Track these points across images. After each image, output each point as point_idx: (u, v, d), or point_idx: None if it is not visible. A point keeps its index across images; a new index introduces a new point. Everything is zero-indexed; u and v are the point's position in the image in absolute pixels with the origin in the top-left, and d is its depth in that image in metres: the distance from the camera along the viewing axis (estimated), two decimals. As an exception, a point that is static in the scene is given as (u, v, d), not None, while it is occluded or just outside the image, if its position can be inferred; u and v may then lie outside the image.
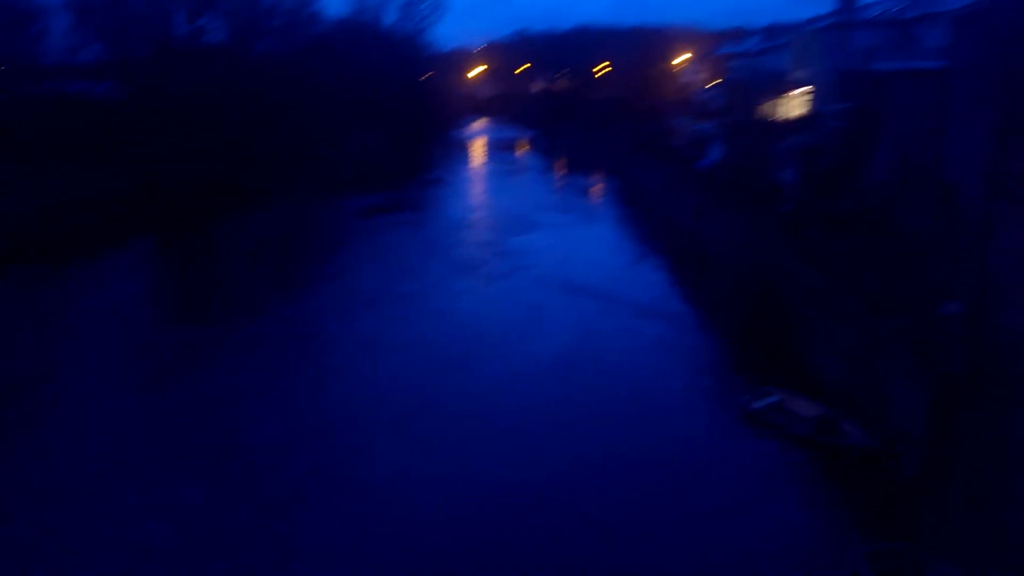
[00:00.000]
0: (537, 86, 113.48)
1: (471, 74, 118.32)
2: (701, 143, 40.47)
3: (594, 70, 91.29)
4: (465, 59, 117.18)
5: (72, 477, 13.97)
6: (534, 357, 19.99)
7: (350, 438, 15.73)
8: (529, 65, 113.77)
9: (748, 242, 24.75)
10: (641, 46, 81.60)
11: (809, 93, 33.51)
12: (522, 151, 73.92)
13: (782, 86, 36.39)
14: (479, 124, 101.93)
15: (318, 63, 50.95)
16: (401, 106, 64.90)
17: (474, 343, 21.06)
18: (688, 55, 72.76)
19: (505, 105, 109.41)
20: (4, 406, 16.86)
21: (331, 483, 13.98)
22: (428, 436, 15.71)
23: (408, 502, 13.35)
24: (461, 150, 74.05)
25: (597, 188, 51.73)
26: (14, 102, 34.02)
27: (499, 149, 74.79)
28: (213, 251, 33.40)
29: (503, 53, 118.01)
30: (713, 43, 67.30)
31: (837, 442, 15.19)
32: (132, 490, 13.56)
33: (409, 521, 12.80)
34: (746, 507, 13.38)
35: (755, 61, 46.04)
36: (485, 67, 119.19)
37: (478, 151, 74.86)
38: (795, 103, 34.74)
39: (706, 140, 40.06)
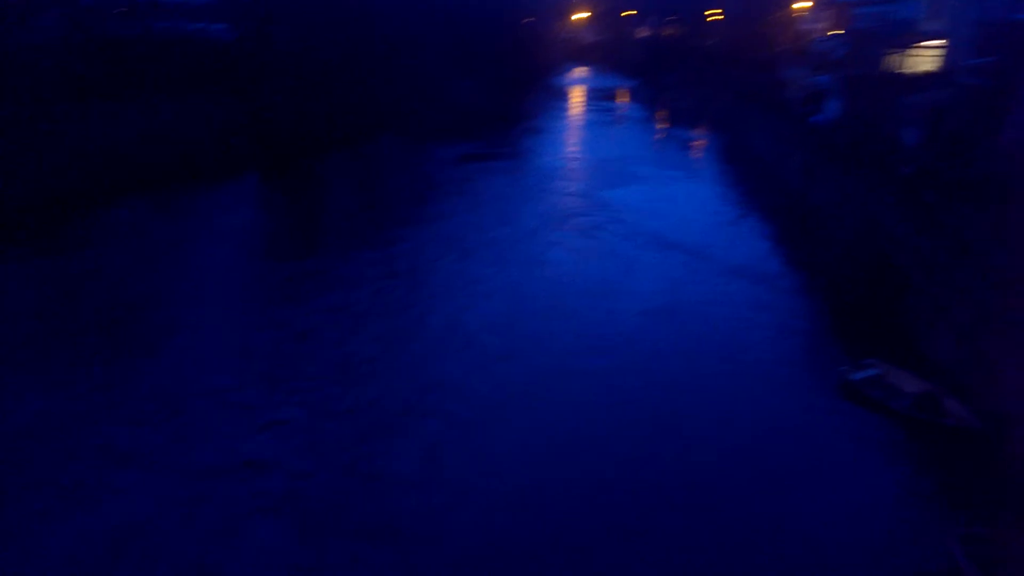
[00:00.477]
0: (643, 32, 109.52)
1: (574, 18, 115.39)
2: (817, 97, 38.15)
3: (705, 15, 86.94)
4: (569, 3, 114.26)
5: (204, 380, 15.24)
6: (623, 313, 19.80)
7: (440, 376, 16.16)
8: (635, 12, 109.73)
9: (861, 205, 23.38)
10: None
11: (942, 46, 30.81)
12: (623, 100, 72.02)
13: (912, 37, 33.59)
14: (580, 71, 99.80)
15: (421, 7, 50.94)
16: (501, 51, 64.27)
17: (562, 295, 21.03)
18: (808, 2, 68.15)
19: (608, 52, 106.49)
20: (145, 324, 18.30)
21: (423, 410, 14.58)
22: (513, 381, 15.96)
23: (494, 442, 13.72)
24: (560, 98, 72.88)
25: (700, 142, 49.97)
26: (133, 40, 35.76)
27: (599, 98, 73.11)
28: (315, 189, 34.62)
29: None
30: (837, -12, 62.55)
31: (938, 420, 14.44)
32: (266, 391, 14.70)
33: (500, 461, 13.17)
34: (837, 481, 12.99)
35: (883, 9, 42.51)
36: (589, 12, 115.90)
37: (578, 99, 73.46)
38: (925, 57, 32.05)
39: (822, 94, 37.72)
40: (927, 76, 30.02)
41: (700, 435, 14.21)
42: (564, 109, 66.04)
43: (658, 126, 57.27)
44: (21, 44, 28.86)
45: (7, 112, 26.52)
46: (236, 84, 38.36)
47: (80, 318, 18.35)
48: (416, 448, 13.45)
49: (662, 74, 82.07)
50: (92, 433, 13.49)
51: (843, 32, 51.13)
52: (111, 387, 15.17)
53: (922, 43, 32.57)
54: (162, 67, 35.12)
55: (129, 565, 10.51)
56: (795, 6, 70.13)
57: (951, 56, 29.32)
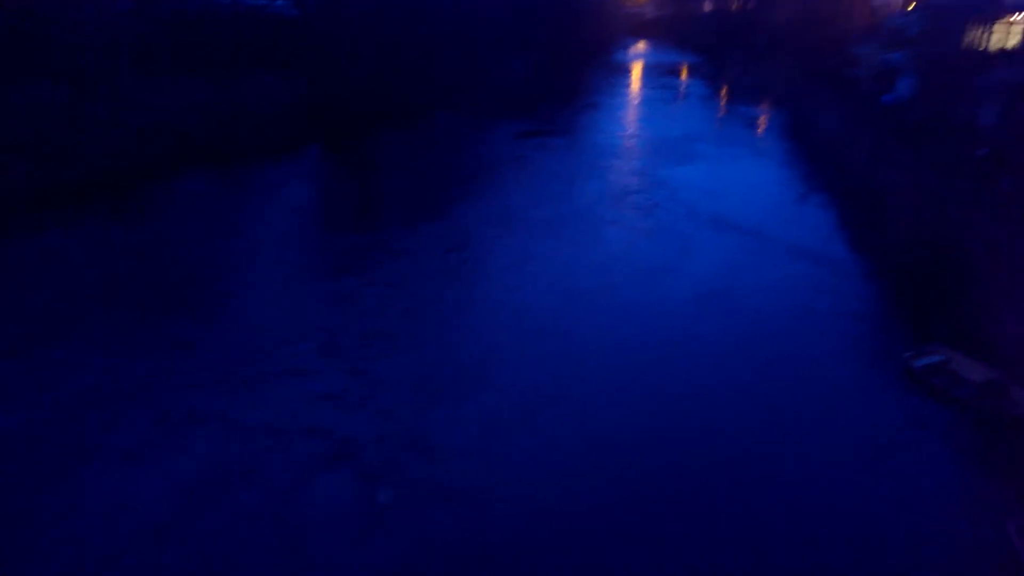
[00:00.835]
0: (707, 6, 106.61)
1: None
2: (888, 75, 36.77)
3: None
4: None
5: (267, 346, 15.95)
6: (679, 293, 19.69)
7: (493, 349, 16.39)
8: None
9: (931, 188, 22.62)
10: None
11: (1029, 20, 29.29)
12: (686, 77, 70.57)
13: (997, 11, 31.97)
14: (641, 47, 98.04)
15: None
16: (561, 26, 63.61)
17: (617, 274, 21.00)
18: (883, -26, 65.13)
19: (671, 27, 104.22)
20: (209, 293, 19.08)
21: (475, 382, 14.92)
22: (566, 358, 16.11)
23: (543, 418, 13.99)
24: (621, 74, 71.80)
25: (764, 120, 48.74)
26: (198, 15, 36.70)
27: (661, 74, 71.77)
28: (374, 164, 35.19)
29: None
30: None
31: (1004, 410, 14.08)
32: (327, 357, 15.39)
33: (550, 435, 13.44)
34: (896, 466, 12.83)
35: (965, -18, 40.46)
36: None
37: (638, 75, 72.28)
38: (1010, 32, 30.51)
39: (894, 72, 36.33)
40: (1008, 53, 28.58)
41: (755, 418, 14.17)
42: (624, 85, 65.10)
43: (721, 103, 56.04)
44: (92, 18, 29.98)
45: (79, 85, 27.63)
46: (298, 59, 39.10)
47: (148, 285, 19.20)
48: (466, 419, 13.81)
49: (726, 50, 79.93)
50: (161, 392, 14.27)
51: (919, 7, 48.90)
52: (181, 349, 15.94)
53: (1009, 17, 30.94)
54: (226, 42, 35.97)
55: (209, 512, 11.21)
56: (869, -21, 67.25)
57: (1037, 32, 27.84)
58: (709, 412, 14.24)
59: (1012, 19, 30.55)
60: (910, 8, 51.09)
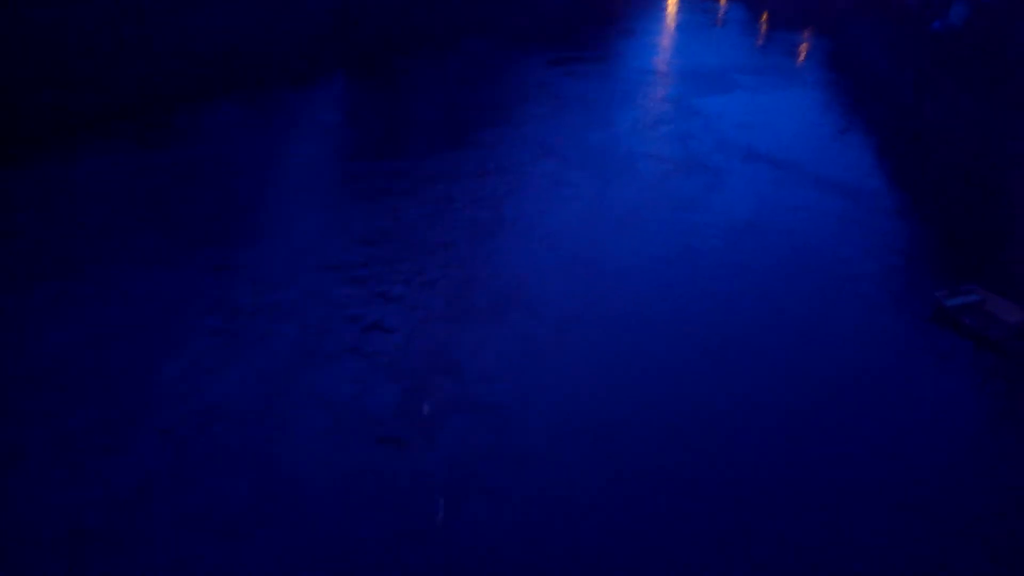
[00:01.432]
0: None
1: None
2: (941, 1, 34.73)
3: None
4: None
5: (308, 261, 16.14)
6: (710, 225, 19.41)
7: (523, 272, 16.41)
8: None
9: (979, 121, 21.61)
10: None
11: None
12: (724, 2, 67.51)
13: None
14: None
15: None
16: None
17: (647, 203, 20.69)
18: None
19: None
20: (247, 213, 19.24)
21: (506, 303, 14.99)
22: (596, 277, 16.14)
23: (572, 338, 14.02)
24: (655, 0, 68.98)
25: (805, 48, 46.66)
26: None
27: (697, 0, 68.82)
28: (405, 89, 34.59)
29: None
30: None
31: (1041, 353, 13.77)
32: (364, 270, 15.67)
33: (580, 356, 13.51)
34: (922, 401, 12.72)
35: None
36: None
37: (673, 1, 69.37)
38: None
39: (947, -3, 34.28)
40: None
41: (780, 348, 14.07)
42: (660, 10, 62.60)
43: (761, 30, 53.69)
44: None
45: (108, 9, 27.26)
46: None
47: (185, 206, 19.43)
48: (494, 337, 14.00)
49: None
50: (211, 296, 14.79)
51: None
52: (224, 269, 16.26)
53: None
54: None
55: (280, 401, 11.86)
56: None
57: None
58: (733, 345, 14.17)
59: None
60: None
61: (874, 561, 9.77)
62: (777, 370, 13.46)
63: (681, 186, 22.04)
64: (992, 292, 15.54)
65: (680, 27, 55.48)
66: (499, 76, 36.61)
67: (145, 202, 19.54)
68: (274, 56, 33.15)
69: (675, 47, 47.21)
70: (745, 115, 29.80)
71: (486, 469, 11.03)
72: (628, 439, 11.64)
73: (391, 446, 11.35)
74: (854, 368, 13.69)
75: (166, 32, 29.17)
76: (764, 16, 59.75)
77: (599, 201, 20.61)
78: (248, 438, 11.41)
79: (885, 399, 12.86)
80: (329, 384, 12.64)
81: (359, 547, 9.75)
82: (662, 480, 10.85)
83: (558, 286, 15.93)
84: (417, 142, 26.62)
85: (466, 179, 22.00)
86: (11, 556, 9.30)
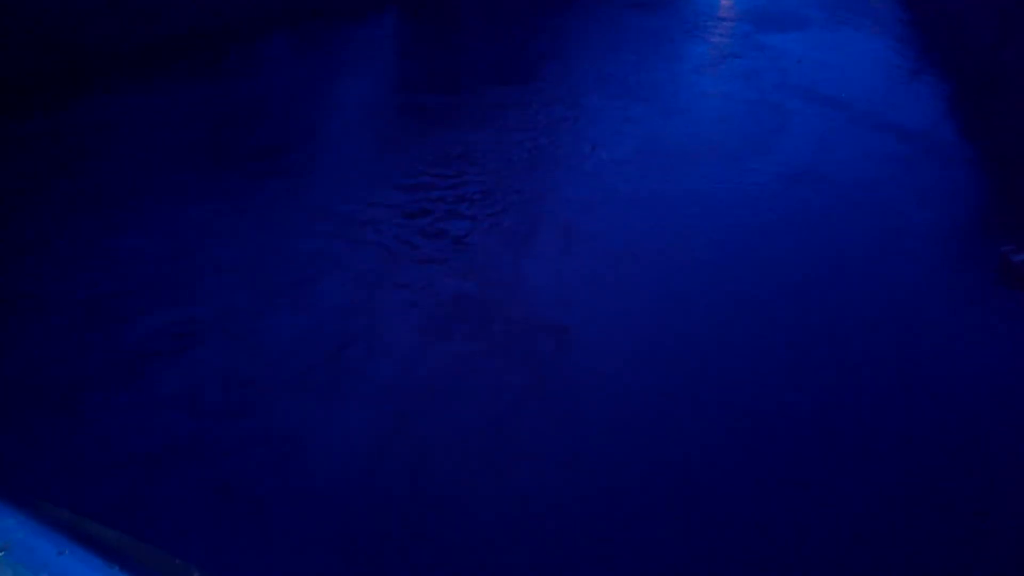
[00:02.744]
0: None
1: None
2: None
3: None
4: None
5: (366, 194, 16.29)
6: (768, 165, 18.94)
7: (570, 210, 16.30)
8: None
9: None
10: None
11: None
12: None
13: None
14: None
15: None
16: None
17: (703, 144, 20.28)
18: None
19: None
20: (303, 149, 19.46)
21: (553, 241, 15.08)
22: (653, 215, 16.09)
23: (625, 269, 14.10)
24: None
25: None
26: None
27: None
28: (460, 23, 34.11)
29: None
30: None
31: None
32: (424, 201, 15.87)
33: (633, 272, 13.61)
34: (987, 356, 12.43)
35: None
36: None
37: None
38: None
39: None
40: None
41: (836, 303, 13.88)
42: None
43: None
44: None
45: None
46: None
47: (249, 137, 19.74)
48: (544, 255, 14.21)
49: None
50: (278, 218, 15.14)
51: None
52: (289, 195, 16.56)
53: None
54: None
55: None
56: None
57: None
58: (786, 297, 13.98)
59: None
60: None
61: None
62: (826, 329, 13.28)
63: (741, 126, 21.49)
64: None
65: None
66: (558, 11, 35.69)
67: (206, 134, 19.97)
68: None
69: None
70: (812, 54, 28.59)
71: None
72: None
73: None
74: (912, 331, 13.42)
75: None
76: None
77: (660, 139, 20.30)
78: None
79: (946, 368, 12.59)
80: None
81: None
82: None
83: (617, 221, 15.95)
84: (473, 76, 26.42)
85: (530, 109, 21.84)
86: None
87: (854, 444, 10.75)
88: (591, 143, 20.10)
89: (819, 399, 11.54)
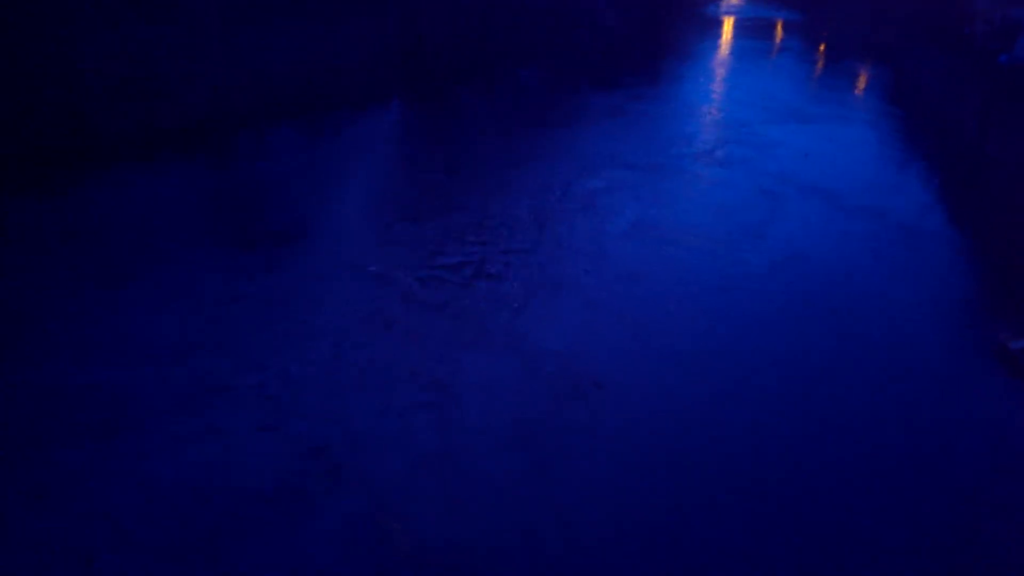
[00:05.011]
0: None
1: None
2: (1007, 33, 33.97)
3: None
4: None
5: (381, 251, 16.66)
6: (759, 251, 19.15)
7: (577, 295, 16.53)
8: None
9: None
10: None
11: None
12: (781, 32, 67.13)
13: None
14: (735, 0, 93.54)
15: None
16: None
17: (700, 223, 20.72)
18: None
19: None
20: (321, 221, 19.79)
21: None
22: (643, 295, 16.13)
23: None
24: (713, 27, 68.97)
25: (865, 79, 46.03)
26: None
27: (755, 28, 68.52)
28: (459, 116, 35.33)
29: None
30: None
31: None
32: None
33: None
34: (989, 447, 12.27)
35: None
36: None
37: (730, 32, 69.24)
38: None
39: (1015, 29, 33.54)
40: None
41: (831, 398, 13.77)
42: (717, 39, 62.60)
43: (819, 61, 53.21)
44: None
45: (178, 32, 28.56)
46: (386, 11, 39.18)
47: (257, 214, 20.52)
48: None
49: (827, 4, 75.41)
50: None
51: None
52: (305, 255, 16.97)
53: None
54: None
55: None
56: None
57: None
58: (779, 385, 13.92)
59: None
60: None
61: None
62: (820, 416, 13.16)
63: (735, 210, 21.91)
64: (1061, 336, 15.00)
65: (737, 55, 55.33)
66: (556, 102, 37.07)
67: (217, 215, 20.46)
68: (333, 81, 34.17)
69: (733, 75, 47.10)
70: (802, 145, 29.42)
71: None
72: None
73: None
74: (906, 403, 13.32)
75: (230, 55, 30.40)
76: (822, 46, 59.20)
77: (649, 226, 20.66)
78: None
79: (946, 457, 12.42)
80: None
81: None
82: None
83: (603, 298, 15.98)
84: (473, 160, 27.20)
85: (522, 191, 22.50)
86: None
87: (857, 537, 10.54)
88: (585, 238, 20.16)
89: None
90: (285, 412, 12.39)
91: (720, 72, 48.65)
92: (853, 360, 14.77)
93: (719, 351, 14.82)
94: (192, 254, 17.88)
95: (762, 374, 14.10)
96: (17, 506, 10.18)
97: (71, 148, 22.87)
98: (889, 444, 12.33)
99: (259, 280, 16.75)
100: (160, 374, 13.20)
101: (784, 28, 70.01)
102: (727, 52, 57.53)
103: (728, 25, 72.84)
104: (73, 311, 15.13)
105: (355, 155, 27.21)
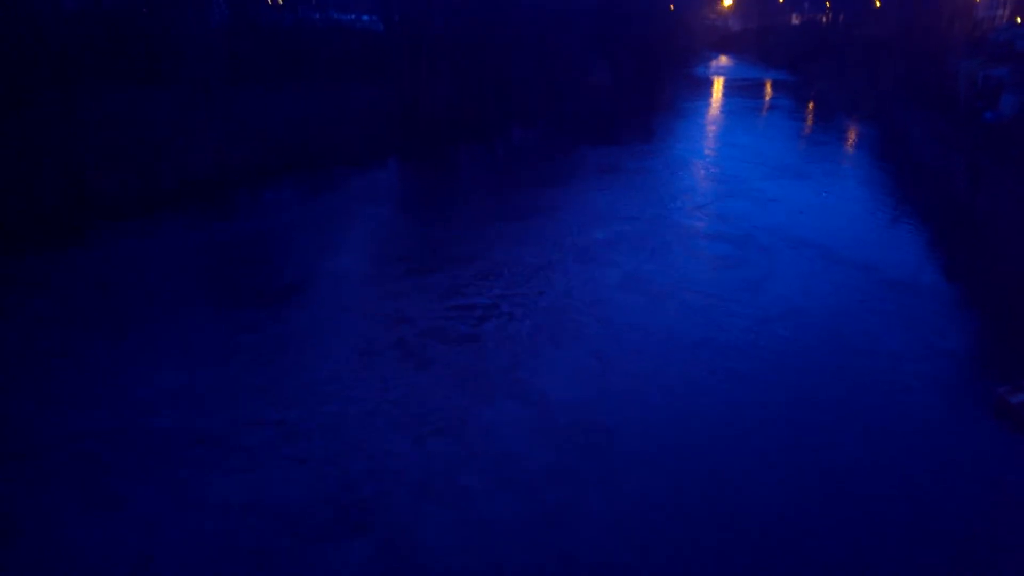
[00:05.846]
0: (795, 20, 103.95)
1: (722, 4, 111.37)
2: (990, 92, 34.90)
3: (871, 2, 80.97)
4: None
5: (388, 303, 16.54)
6: (755, 304, 19.20)
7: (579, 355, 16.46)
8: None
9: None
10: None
11: None
12: (770, 91, 68.86)
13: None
14: (725, 61, 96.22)
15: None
16: (642, 41, 63.13)
17: (689, 281, 20.75)
18: (988, -14, 61.76)
19: (756, 40, 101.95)
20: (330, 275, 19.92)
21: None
22: (644, 358, 16.00)
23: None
24: (704, 87, 70.73)
25: (853, 137, 46.99)
26: (289, 28, 38.44)
27: (745, 88, 70.27)
28: (455, 173, 35.94)
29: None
30: (1025, -30, 56.46)
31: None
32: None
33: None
34: (993, 511, 12.05)
35: (1081, -6, 38.06)
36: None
37: (721, 89, 71.01)
38: None
39: (998, 88, 34.45)
40: None
41: (832, 454, 13.61)
42: (707, 99, 64.11)
43: (807, 121, 54.41)
44: (194, 29, 32.02)
45: (177, 95, 29.29)
46: (383, 72, 40.25)
47: (260, 268, 20.87)
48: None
49: (814, 64, 77.49)
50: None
51: (1029, 19, 46.19)
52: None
53: None
54: (317, 54, 37.48)
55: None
56: (972, -9, 64.00)
57: None
58: (774, 447, 13.75)
59: None
60: (1018, 21, 48.41)
61: None
62: (814, 476, 12.97)
63: (732, 264, 22.08)
64: (1060, 390, 14.92)
65: (728, 112, 56.62)
66: (545, 160, 37.71)
67: (216, 268, 20.55)
68: (331, 141, 34.85)
69: (725, 132, 48.08)
70: (794, 200, 29.76)
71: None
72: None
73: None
74: (906, 461, 13.12)
75: (232, 116, 31.06)
76: (810, 104, 60.65)
77: (644, 276, 20.95)
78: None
79: (949, 518, 12.20)
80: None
81: None
82: None
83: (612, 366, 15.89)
84: (477, 214, 27.61)
85: (511, 248, 22.66)
86: None
87: None
88: (594, 281, 20.69)
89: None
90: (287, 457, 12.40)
91: (712, 129, 49.71)
92: (851, 414, 14.59)
93: (715, 405, 14.66)
94: (195, 308, 17.97)
95: (758, 430, 13.91)
96: None
97: (73, 208, 23.14)
98: (891, 507, 12.12)
99: (266, 329, 16.86)
100: (149, 425, 13.18)
101: (773, 87, 71.80)
102: (719, 110, 58.89)
103: (718, 84, 74.76)
104: (74, 363, 15.13)
105: (355, 210, 27.59)
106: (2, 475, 11.74)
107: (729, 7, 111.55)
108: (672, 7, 74.98)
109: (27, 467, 12.09)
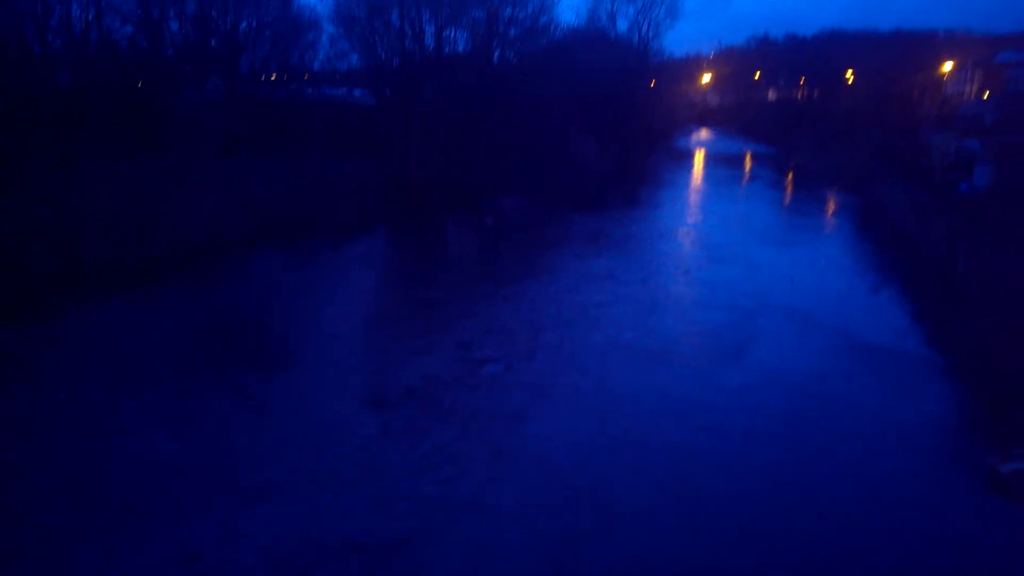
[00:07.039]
0: (772, 95, 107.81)
1: (701, 81, 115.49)
2: (964, 164, 36.11)
3: (844, 78, 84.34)
4: (695, 65, 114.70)
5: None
6: (738, 375, 19.12)
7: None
8: (760, 73, 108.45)
9: (1017, 282, 21.72)
10: (897, 53, 74.20)
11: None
12: (750, 164, 70.76)
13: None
14: (704, 134, 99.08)
15: (550, 71, 52.75)
16: (627, 114, 65.11)
17: (677, 344, 21.04)
18: (954, 63, 64.76)
19: (735, 115, 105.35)
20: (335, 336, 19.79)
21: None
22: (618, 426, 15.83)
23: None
24: (684, 160, 72.63)
25: (832, 208, 48.12)
26: (281, 103, 39.46)
27: (724, 161, 72.24)
28: (442, 241, 36.33)
29: (737, 59, 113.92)
30: (988, 49, 59.38)
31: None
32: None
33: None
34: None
35: (1042, 72, 39.97)
36: (714, 74, 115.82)
37: (702, 162, 72.97)
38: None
39: (970, 161, 35.65)
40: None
41: (823, 514, 13.40)
42: (688, 171, 65.76)
43: (787, 191, 55.80)
44: (191, 105, 32.71)
45: (175, 165, 29.68)
46: (374, 145, 41.06)
47: (251, 334, 20.88)
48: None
49: (791, 137, 80.00)
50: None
51: (996, 95, 48.29)
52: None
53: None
54: (308, 128, 38.25)
55: None
56: (940, 68, 66.98)
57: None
58: (761, 520, 13.52)
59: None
60: (985, 96, 50.52)
61: None
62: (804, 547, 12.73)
63: (716, 330, 22.30)
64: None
65: (711, 183, 58.01)
66: (529, 230, 38.24)
67: (205, 341, 20.39)
68: (322, 211, 35.14)
69: (708, 201, 49.17)
70: (777, 266, 30.34)
71: None
72: None
73: None
74: (902, 538, 12.90)
75: (224, 188, 31.37)
76: (789, 174, 62.26)
77: (642, 338, 21.21)
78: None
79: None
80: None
81: None
82: None
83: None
84: (459, 282, 27.83)
85: (498, 312, 23.07)
86: None
87: None
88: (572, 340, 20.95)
89: None
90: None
91: (695, 198, 50.77)
92: (837, 483, 14.45)
93: (699, 475, 14.42)
94: (186, 375, 17.71)
95: (742, 496, 13.77)
96: None
97: (65, 278, 23.08)
98: None
99: (257, 399, 16.61)
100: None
101: (753, 158, 73.82)
102: (701, 180, 60.33)
103: (700, 156, 76.82)
104: (68, 432, 14.80)
105: (347, 276, 27.84)
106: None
107: (708, 83, 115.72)
108: (654, 83, 77.60)
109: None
